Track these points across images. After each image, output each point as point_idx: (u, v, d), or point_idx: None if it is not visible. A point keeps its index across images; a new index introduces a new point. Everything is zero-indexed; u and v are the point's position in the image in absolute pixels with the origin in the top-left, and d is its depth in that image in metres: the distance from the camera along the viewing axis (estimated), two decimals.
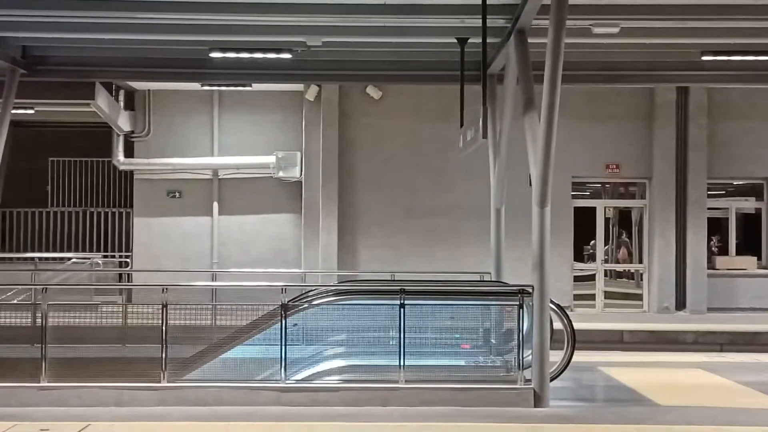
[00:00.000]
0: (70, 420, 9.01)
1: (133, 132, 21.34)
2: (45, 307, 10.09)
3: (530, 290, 10.00)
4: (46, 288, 10.33)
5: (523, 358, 10.01)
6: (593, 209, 20.97)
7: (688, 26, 12.75)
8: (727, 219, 21.07)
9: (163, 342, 9.97)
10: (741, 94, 20.04)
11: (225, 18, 12.34)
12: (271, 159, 20.79)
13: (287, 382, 9.99)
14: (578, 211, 20.75)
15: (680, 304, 20.09)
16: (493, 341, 10.98)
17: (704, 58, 14.66)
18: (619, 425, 9.06)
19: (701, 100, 20.12)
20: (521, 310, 10.05)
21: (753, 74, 15.93)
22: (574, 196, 20.63)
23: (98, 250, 21.80)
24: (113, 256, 21.63)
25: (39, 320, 10.23)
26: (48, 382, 9.90)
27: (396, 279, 13.76)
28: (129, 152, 21.40)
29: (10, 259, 21.11)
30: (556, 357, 10.56)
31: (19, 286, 15.89)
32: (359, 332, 10.70)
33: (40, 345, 10.00)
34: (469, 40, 12.98)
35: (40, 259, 20.59)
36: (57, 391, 9.83)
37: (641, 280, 20.78)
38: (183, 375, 10.20)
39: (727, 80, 16.69)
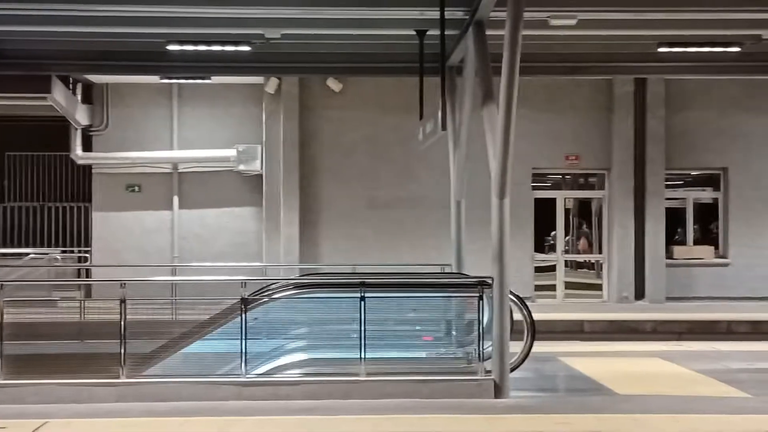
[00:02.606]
0: (28, 417, 8.90)
1: (91, 126, 21.13)
2: (1, 304, 9.96)
3: (490, 282, 10.04)
4: (3, 284, 10.17)
5: (483, 350, 10.04)
6: (553, 200, 21.11)
7: (644, 18, 12.85)
8: (684, 209, 21.31)
9: (122, 338, 9.89)
10: (697, 85, 20.25)
11: (182, 10, 12.24)
12: (231, 152, 20.68)
13: (248, 376, 9.96)
14: (538, 202, 20.87)
15: (639, 294, 20.30)
16: (453, 333, 11.01)
17: (660, 49, 14.79)
18: (579, 414, 9.13)
19: (659, 91, 20.31)
20: (481, 302, 10.09)
21: (709, 65, 16.11)
22: (534, 188, 20.74)
23: (57, 246, 21.56)
24: (72, 252, 21.40)
25: None
26: (5, 380, 9.78)
27: (357, 272, 13.76)
28: (87, 146, 21.17)
29: None
30: (516, 348, 10.62)
31: None
32: (320, 325, 10.69)
33: None
34: (428, 32, 12.96)
35: None
36: (14, 388, 9.72)
37: (601, 270, 20.96)
38: (142, 371, 10.12)
39: (684, 71, 16.88)
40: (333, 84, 20.26)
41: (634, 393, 10.32)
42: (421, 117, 13.29)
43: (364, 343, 9.98)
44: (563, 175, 21.38)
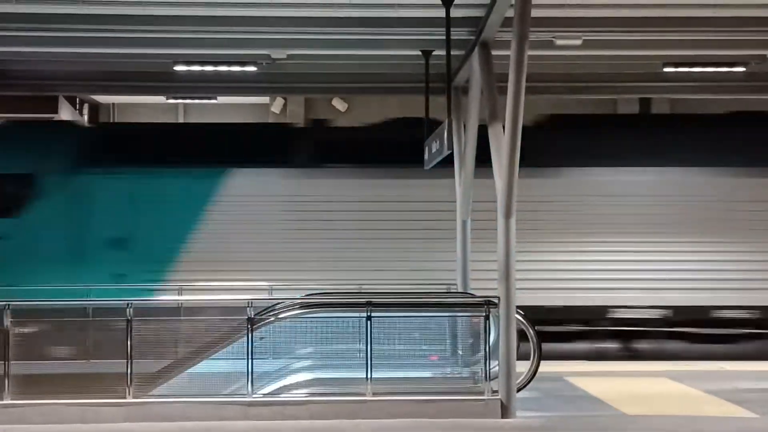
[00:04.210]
0: None
1: None
2: (8, 324, 9.96)
3: (496, 301, 10.03)
4: (9, 305, 10.17)
5: (490, 369, 10.02)
6: None
7: (649, 38, 12.88)
8: None
9: (129, 357, 9.89)
10: (702, 105, 20.26)
11: (190, 29, 12.30)
12: None
13: (254, 396, 9.94)
14: None
15: None
16: (460, 352, 10.99)
17: (666, 69, 14.82)
18: None
19: (664, 110, 20.33)
20: (488, 321, 10.08)
21: (714, 85, 16.14)
22: None
23: None
24: None
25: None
26: (11, 400, 9.77)
27: (363, 291, 13.75)
28: None
29: None
30: (522, 367, 10.59)
31: None
32: (326, 345, 10.67)
33: (3, 362, 9.87)
34: (434, 53, 13.04)
35: None
36: (20, 408, 9.71)
37: None
38: (149, 390, 10.11)
39: (689, 91, 16.89)
40: (338, 104, 20.33)
41: (642, 413, 10.28)
42: (426, 136, 13.31)
43: (371, 363, 9.97)
44: None
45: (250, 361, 9.93)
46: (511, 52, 9.72)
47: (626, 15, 12.00)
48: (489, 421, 9.67)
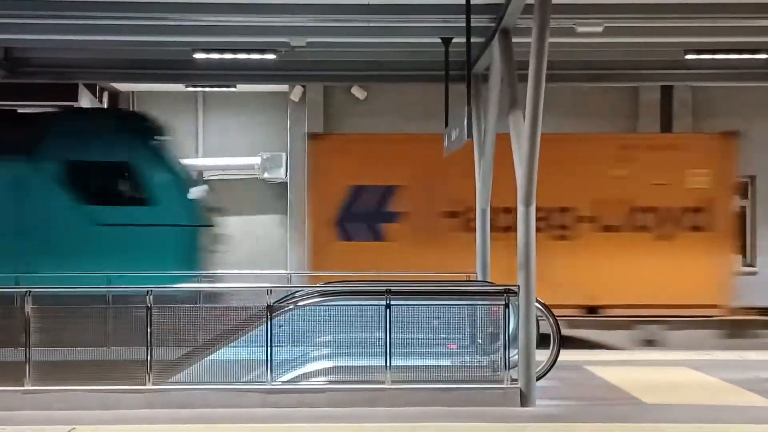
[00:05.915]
0: (54, 424, 8.96)
1: None
2: (29, 311, 10.02)
3: (516, 290, 10.00)
4: (30, 291, 10.23)
5: (509, 358, 10.01)
6: None
7: (671, 25, 12.80)
8: None
9: (148, 344, 9.93)
10: (724, 92, 20.10)
11: (208, 19, 12.31)
12: (256, 160, 20.72)
13: (273, 383, 9.96)
14: None
15: None
16: (479, 341, 10.98)
17: (687, 56, 14.72)
18: (605, 424, 9.08)
19: (685, 98, 20.19)
20: (507, 310, 10.05)
21: (736, 72, 16.03)
22: None
23: None
24: None
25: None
26: (32, 386, 9.83)
27: (382, 279, 13.73)
28: None
29: None
30: (542, 356, 10.57)
31: (2, 291, 15.74)
32: (345, 333, 10.67)
33: (24, 348, 9.93)
34: (454, 40, 12.99)
35: None
36: (41, 394, 9.77)
37: None
38: (168, 377, 10.15)
39: (711, 78, 16.77)
40: (357, 92, 20.28)
41: (662, 402, 10.25)
42: (446, 124, 13.28)
43: (390, 351, 9.96)
44: None
45: (269, 348, 9.95)
46: (531, 40, 9.67)
47: (648, 1, 11.92)
48: (508, 410, 9.65)
